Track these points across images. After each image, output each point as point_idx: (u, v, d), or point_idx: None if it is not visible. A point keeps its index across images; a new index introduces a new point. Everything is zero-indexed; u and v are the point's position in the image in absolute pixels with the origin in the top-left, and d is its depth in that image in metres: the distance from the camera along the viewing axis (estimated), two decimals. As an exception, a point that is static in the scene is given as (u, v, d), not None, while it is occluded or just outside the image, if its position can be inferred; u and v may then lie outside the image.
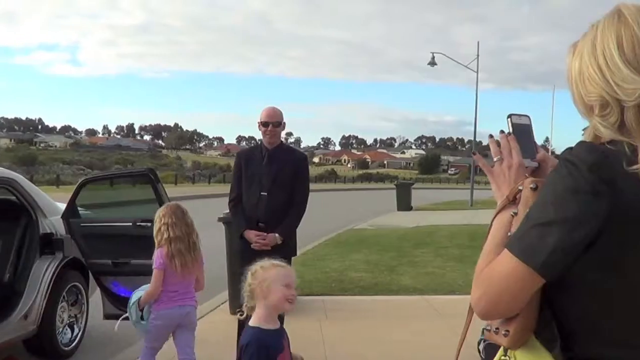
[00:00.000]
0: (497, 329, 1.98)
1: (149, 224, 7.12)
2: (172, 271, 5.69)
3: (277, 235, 6.53)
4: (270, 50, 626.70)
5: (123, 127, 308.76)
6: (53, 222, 7.56)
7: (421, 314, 9.75)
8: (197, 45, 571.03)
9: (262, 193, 6.60)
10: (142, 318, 5.84)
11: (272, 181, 6.59)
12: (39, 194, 7.66)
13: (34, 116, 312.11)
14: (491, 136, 2.18)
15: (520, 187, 1.98)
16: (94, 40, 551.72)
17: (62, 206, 7.64)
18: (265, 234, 6.54)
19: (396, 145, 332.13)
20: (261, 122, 6.65)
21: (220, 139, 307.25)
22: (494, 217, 2.03)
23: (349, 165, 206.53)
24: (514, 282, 1.82)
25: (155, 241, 5.78)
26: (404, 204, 35.32)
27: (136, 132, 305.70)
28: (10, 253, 7.54)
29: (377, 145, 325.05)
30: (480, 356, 6.72)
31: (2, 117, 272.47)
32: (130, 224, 7.26)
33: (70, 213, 7.47)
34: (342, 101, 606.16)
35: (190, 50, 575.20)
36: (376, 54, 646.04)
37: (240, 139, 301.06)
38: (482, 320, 2.00)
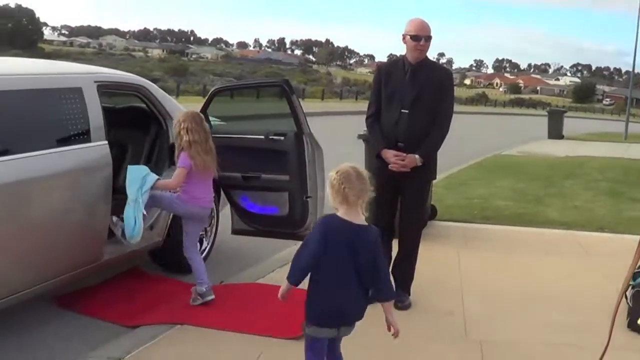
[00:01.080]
0: None
1: (282, 138, 6.81)
2: (195, 171, 6.08)
3: (417, 156, 6.08)
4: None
5: (274, 40, 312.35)
6: (185, 131, 7.30)
7: (566, 250, 9.05)
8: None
9: (402, 111, 6.12)
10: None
11: (414, 99, 6.09)
12: (169, 102, 7.41)
13: (186, 28, 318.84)
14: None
15: None
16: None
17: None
18: (404, 154, 6.07)
19: (550, 71, 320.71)
20: (410, 35, 6.10)
21: (371, 57, 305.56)
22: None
23: (500, 89, 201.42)
24: None
25: (176, 144, 6.16)
26: (555, 132, 33.87)
27: (287, 46, 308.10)
28: (140, 162, 7.35)
29: (531, 70, 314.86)
30: (627, 303, 6.17)
31: (156, 29, 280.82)
32: (262, 137, 6.93)
33: (201, 123, 7.17)
34: (497, 24, 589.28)
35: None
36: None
37: (391, 57, 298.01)
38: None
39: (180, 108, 7.55)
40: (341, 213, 3.91)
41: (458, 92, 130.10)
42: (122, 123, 7.64)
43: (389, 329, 4.10)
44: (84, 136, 5.95)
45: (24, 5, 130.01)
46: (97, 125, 6.08)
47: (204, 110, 7.15)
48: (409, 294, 6.44)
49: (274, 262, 7.65)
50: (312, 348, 4.06)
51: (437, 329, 5.94)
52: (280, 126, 6.98)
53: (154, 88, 7.23)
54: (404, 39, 6.15)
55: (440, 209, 10.64)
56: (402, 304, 6.29)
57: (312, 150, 6.85)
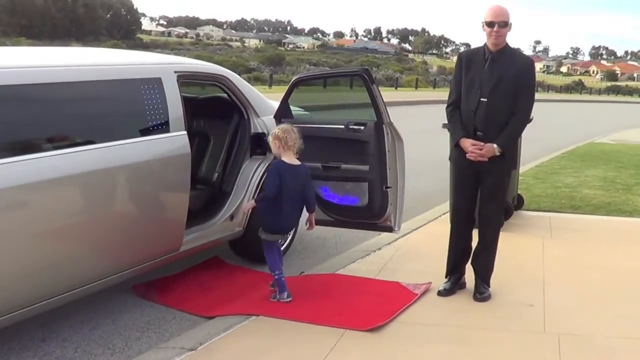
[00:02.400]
0: None
1: (362, 128, 6.73)
2: None
3: (495, 145, 5.90)
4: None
5: (370, 30, 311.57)
6: (265, 121, 7.27)
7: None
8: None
9: (481, 99, 5.94)
10: None
11: (493, 87, 5.91)
12: (251, 92, 7.37)
13: (283, 18, 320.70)
14: None
15: None
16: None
17: (277, 105, 7.35)
18: (482, 143, 5.92)
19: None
20: (485, 21, 5.95)
21: (468, 45, 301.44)
22: None
23: (597, 77, 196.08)
24: None
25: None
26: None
27: (383, 35, 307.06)
28: (221, 152, 7.36)
29: (628, 57, 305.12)
30: None
31: (253, 19, 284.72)
32: (343, 127, 6.84)
33: (282, 113, 7.14)
34: (594, 10, 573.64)
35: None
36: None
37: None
38: None
39: (262, 99, 7.53)
40: (285, 158, 5.97)
41: (554, 80, 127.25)
42: (205, 113, 7.70)
43: (306, 224, 6.28)
44: (163, 126, 5.97)
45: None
46: (177, 116, 6.08)
47: (285, 100, 7.12)
48: (489, 286, 6.29)
49: (356, 253, 7.59)
50: (269, 249, 6.15)
51: (515, 321, 5.79)
52: (362, 116, 6.89)
53: (235, 78, 7.20)
54: (483, 26, 5.99)
55: (527, 198, 10.43)
56: (482, 295, 6.18)
57: (393, 140, 6.74)
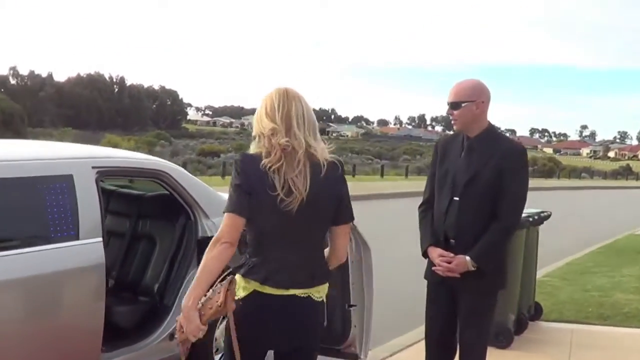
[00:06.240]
0: None
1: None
2: None
3: (467, 258, 4.66)
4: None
5: (414, 117, 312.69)
6: (216, 223, 6.13)
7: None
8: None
9: (454, 198, 4.74)
10: None
11: (467, 182, 4.70)
12: (199, 190, 6.30)
13: (327, 106, 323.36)
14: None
15: None
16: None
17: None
18: (452, 254, 4.72)
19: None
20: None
21: (512, 131, 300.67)
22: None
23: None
24: None
25: None
26: None
27: (427, 122, 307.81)
28: (166, 259, 6.33)
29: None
30: None
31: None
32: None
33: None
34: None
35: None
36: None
37: (533, 131, 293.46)
38: None
39: (214, 197, 6.43)
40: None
41: (601, 165, 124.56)
42: (152, 213, 6.78)
43: None
44: (70, 233, 5.02)
45: (167, 87, 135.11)
46: (90, 220, 5.16)
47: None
48: None
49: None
50: None
51: None
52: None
53: (178, 173, 6.14)
54: None
55: (548, 305, 9.12)
56: None
57: (357, 247, 5.61)
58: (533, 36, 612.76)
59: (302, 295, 3.57)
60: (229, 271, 3.55)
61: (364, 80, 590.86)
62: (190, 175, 6.41)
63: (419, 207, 5.08)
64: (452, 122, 4.79)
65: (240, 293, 3.51)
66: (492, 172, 4.69)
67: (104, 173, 5.49)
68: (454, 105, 4.74)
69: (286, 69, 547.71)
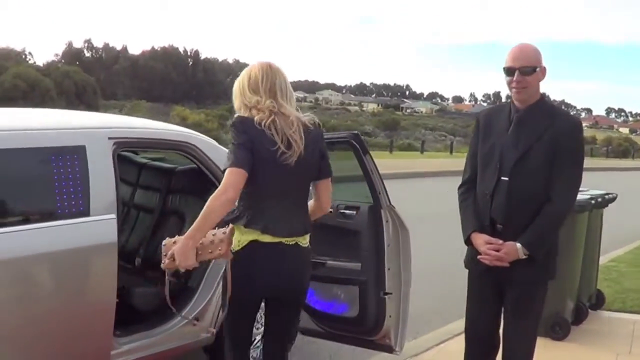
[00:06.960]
0: None
1: (354, 213, 5.13)
2: None
3: (518, 245, 4.14)
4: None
5: (489, 94, 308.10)
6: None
7: None
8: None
9: (501, 178, 4.21)
10: None
11: (518, 160, 4.18)
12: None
13: (402, 82, 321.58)
14: None
15: None
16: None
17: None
18: (501, 241, 4.19)
19: None
20: (504, 68, 4.26)
21: (589, 110, 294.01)
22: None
23: None
24: None
25: None
26: None
27: (502, 99, 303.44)
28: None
29: None
30: None
31: (372, 83, 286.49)
32: (330, 210, 5.23)
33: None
34: None
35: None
36: None
37: (609, 110, 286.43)
38: None
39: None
40: None
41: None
42: (182, 188, 6.41)
43: None
44: (80, 208, 4.61)
45: (242, 61, 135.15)
46: (103, 195, 4.74)
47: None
48: None
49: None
50: None
51: None
52: (350, 194, 5.34)
53: (207, 146, 5.70)
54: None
55: (612, 293, 8.51)
56: None
57: (394, 229, 5.12)
58: (618, 14, 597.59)
59: (291, 243, 3.88)
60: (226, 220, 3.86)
61: (440, 56, 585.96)
62: (220, 146, 5.94)
63: (459, 188, 4.57)
64: (517, 91, 4.22)
65: (237, 243, 3.86)
66: (546, 149, 4.15)
67: (123, 144, 5.07)
68: (526, 71, 4.17)
69: (359, 44, 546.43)
